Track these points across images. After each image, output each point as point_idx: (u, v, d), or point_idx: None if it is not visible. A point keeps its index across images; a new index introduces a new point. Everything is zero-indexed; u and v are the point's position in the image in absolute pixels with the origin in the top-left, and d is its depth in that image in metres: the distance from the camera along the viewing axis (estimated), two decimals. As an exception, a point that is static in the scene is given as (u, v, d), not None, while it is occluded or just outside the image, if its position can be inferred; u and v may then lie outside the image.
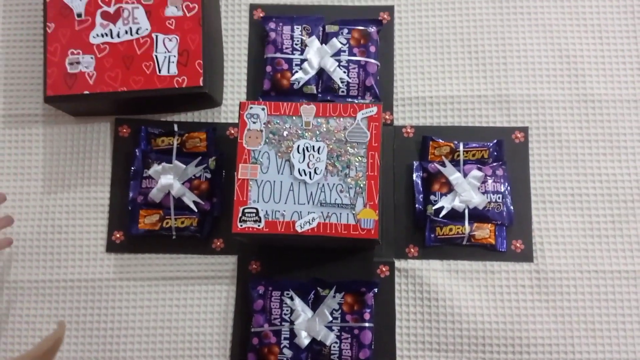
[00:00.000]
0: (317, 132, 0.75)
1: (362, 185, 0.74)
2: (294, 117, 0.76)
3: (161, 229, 0.87)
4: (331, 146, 0.75)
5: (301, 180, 0.74)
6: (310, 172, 0.74)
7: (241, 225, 0.74)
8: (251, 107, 0.76)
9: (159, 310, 0.88)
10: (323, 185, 0.74)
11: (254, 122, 0.76)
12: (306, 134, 0.75)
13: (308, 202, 0.74)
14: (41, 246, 0.91)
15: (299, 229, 0.73)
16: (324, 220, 0.73)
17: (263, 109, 0.76)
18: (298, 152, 0.75)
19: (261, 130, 0.75)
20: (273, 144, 0.75)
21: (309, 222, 0.73)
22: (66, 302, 0.88)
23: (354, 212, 0.73)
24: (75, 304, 0.88)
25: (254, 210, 0.74)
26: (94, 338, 0.88)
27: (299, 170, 0.75)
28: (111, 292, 0.88)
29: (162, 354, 0.87)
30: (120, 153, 0.92)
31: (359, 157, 0.75)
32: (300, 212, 0.74)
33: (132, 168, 0.90)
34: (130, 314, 0.88)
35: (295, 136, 0.75)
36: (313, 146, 0.75)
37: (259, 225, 0.73)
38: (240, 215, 0.74)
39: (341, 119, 0.76)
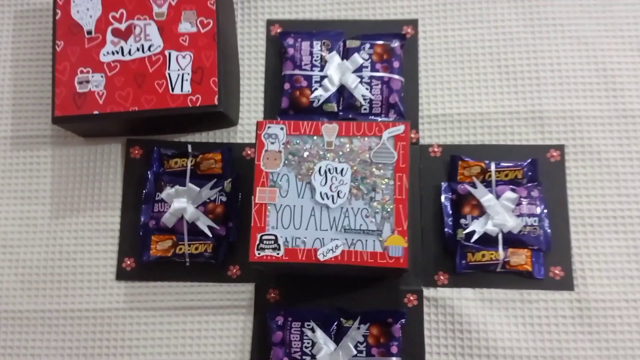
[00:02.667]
0: (340, 153, 0.71)
1: (389, 210, 0.70)
2: (314, 137, 0.72)
3: (174, 256, 0.84)
4: (355, 168, 0.71)
5: (323, 204, 0.70)
6: (333, 196, 0.70)
7: (259, 254, 0.69)
8: (269, 127, 0.72)
9: (171, 342, 0.84)
10: (347, 209, 0.70)
11: (272, 143, 0.72)
12: (328, 155, 0.71)
13: (331, 228, 0.70)
14: (48, 274, 0.87)
15: (321, 258, 0.69)
16: (348, 247, 0.69)
17: (282, 129, 0.72)
18: (320, 174, 0.71)
19: (280, 151, 0.72)
20: (293, 165, 0.72)
21: (332, 249, 0.69)
22: (73, 334, 0.85)
23: (380, 239, 0.69)
24: (83, 335, 0.85)
25: (273, 237, 0.70)
26: None
27: (320, 193, 0.71)
28: (121, 323, 0.85)
29: (174, 390, 0.82)
30: (132, 175, 0.89)
31: (386, 180, 0.70)
32: (323, 239, 0.69)
33: (144, 191, 0.86)
34: (141, 346, 0.84)
35: (316, 157, 0.71)
36: (336, 168, 0.71)
37: (278, 254, 0.69)
38: (257, 242, 0.70)
39: (366, 139, 0.72)
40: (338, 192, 0.70)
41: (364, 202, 0.70)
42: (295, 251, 0.69)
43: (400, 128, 0.70)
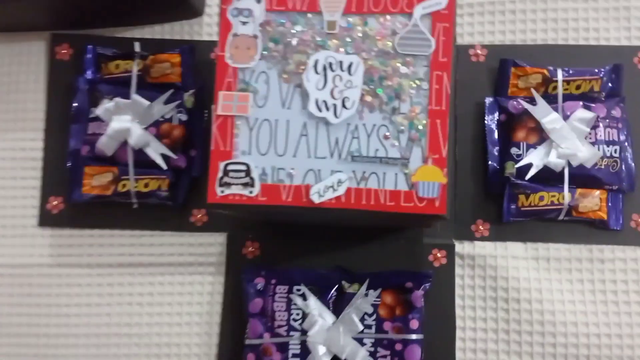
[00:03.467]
0: (348, 40, 0.55)
1: (421, 127, 0.53)
2: (309, 15, 0.55)
3: (116, 194, 0.72)
4: (370, 62, 0.55)
5: (321, 118, 0.55)
6: (335, 106, 0.55)
7: (222, 192, 0.54)
8: None
9: (114, 309, 0.72)
10: (356, 127, 0.55)
11: (244, 23, 0.55)
12: (329, 43, 0.55)
13: (332, 156, 0.55)
14: None
15: (315, 199, 0.54)
16: (358, 184, 0.54)
17: (259, 1, 0.55)
18: (316, 71, 0.55)
19: (255, 37, 0.55)
20: (275, 58, 0.55)
21: (332, 187, 0.54)
22: None
23: (407, 170, 0.54)
24: None
25: (244, 168, 0.55)
26: (22, 347, 0.71)
27: (316, 102, 0.55)
28: (46, 283, 0.72)
29: (118, 372, 0.71)
30: (58, 84, 0.76)
31: (417, 81, 0.54)
32: (319, 170, 0.55)
33: (74, 105, 0.73)
34: (73, 315, 0.71)
35: (311, 46, 0.55)
36: (341, 62, 0.54)
37: (251, 192, 0.54)
38: (221, 175, 0.54)
39: (388, 17, 0.54)
40: (344, 99, 0.54)
41: (383, 116, 0.54)
42: (278, 189, 0.54)
43: (440, 1, 0.53)
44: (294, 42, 0.54)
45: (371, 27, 0.54)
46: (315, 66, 0.54)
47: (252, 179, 0.54)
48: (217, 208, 0.54)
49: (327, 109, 0.54)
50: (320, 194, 0.53)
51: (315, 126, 0.54)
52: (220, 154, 0.54)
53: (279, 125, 0.55)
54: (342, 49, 0.54)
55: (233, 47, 0.54)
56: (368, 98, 0.54)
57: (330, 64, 0.54)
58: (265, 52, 0.55)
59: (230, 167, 0.53)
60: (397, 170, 0.54)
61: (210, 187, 0.53)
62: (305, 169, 0.54)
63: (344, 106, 0.54)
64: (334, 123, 0.55)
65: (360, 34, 0.55)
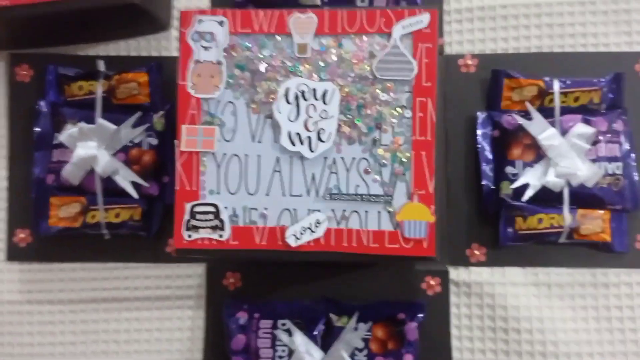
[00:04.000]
0: (322, 64, 0.52)
1: (404, 161, 0.51)
2: (278, 37, 0.52)
3: (85, 226, 0.69)
4: (347, 89, 0.52)
5: (295, 153, 0.53)
6: (310, 139, 0.52)
7: (189, 237, 0.52)
8: (200, 20, 0.53)
9: (88, 348, 0.70)
10: (334, 161, 0.52)
11: (206, 49, 0.52)
12: (301, 68, 0.52)
13: (308, 193, 0.53)
14: None
15: (292, 243, 0.51)
16: (337, 224, 0.52)
17: (221, 23, 0.52)
18: (287, 101, 0.52)
19: (219, 63, 0.52)
20: (242, 87, 0.53)
21: (309, 228, 0.51)
22: None
23: (390, 209, 0.51)
24: None
25: (212, 209, 0.52)
26: None
27: (289, 135, 0.52)
28: (17, 321, 0.70)
29: (92, 417, 0.69)
30: (20, 108, 0.73)
31: (399, 109, 0.51)
32: (295, 210, 0.53)
33: (36, 130, 0.71)
34: (47, 354, 0.70)
35: (281, 72, 0.52)
36: (314, 89, 0.52)
37: (221, 236, 0.52)
38: (187, 218, 0.52)
39: (364, 38, 0.51)
40: (319, 131, 0.52)
41: (363, 149, 0.52)
42: (250, 231, 0.51)
43: (422, 19, 0.50)
44: (262, 68, 0.52)
45: (347, 50, 0.52)
46: (286, 95, 0.51)
47: (221, 221, 0.51)
48: (186, 254, 0.51)
49: (302, 142, 0.52)
50: (297, 237, 0.50)
51: (289, 161, 0.52)
52: (185, 194, 0.51)
53: (249, 161, 0.52)
54: (315, 75, 0.52)
55: (195, 75, 0.51)
56: (346, 129, 0.52)
57: (303, 92, 0.51)
58: (230, 81, 0.52)
59: (197, 209, 0.51)
60: (380, 209, 0.51)
61: (176, 232, 0.50)
62: (280, 208, 0.52)
63: (319, 139, 0.51)
64: (310, 158, 0.52)
65: (334, 58, 0.52)
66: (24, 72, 0.72)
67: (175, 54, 0.71)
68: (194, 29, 0.50)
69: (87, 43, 0.74)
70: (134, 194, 0.68)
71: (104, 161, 0.66)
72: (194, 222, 0.50)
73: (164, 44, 0.72)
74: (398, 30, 0.49)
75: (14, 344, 0.70)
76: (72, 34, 0.72)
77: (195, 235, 0.50)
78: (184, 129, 0.50)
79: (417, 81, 0.50)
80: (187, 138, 0.50)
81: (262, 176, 0.51)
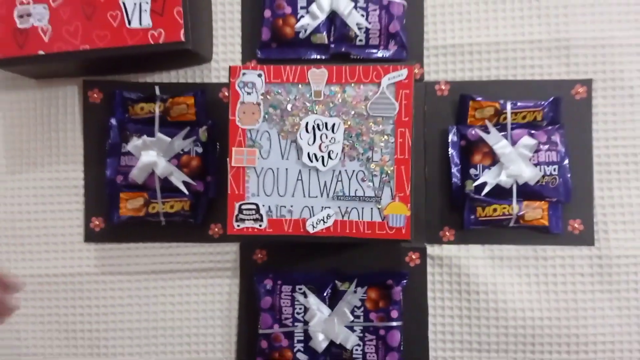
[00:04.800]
0: (331, 105, 0.64)
1: (389, 172, 0.64)
2: (300, 85, 0.64)
3: (147, 215, 0.78)
4: (349, 122, 0.64)
5: (312, 167, 0.64)
6: (323, 157, 0.64)
7: (238, 226, 0.64)
8: (244, 73, 0.64)
9: (150, 308, 0.80)
10: (340, 173, 0.64)
11: (249, 93, 0.64)
12: (317, 108, 0.64)
13: (321, 195, 0.64)
14: (9, 235, 0.81)
15: (310, 229, 0.64)
16: (342, 217, 0.64)
17: (260, 75, 0.64)
18: (307, 131, 0.64)
19: (258, 104, 0.64)
20: (274, 121, 0.64)
21: (322, 220, 0.64)
22: (43, 300, 0.80)
23: (379, 206, 0.63)
24: (53, 302, 0.80)
25: (254, 207, 0.64)
26: (78, 340, 0.80)
27: (308, 154, 0.64)
28: (94, 289, 0.80)
29: (156, 359, 0.80)
30: (93, 123, 0.81)
31: (385, 136, 0.64)
32: (312, 207, 0.64)
33: (108, 142, 0.79)
34: (118, 313, 0.80)
35: (302, 110, 0.64)
36: (326, 123, 0.64)
37: (260, 225, 0.64)
38: (236, 213, 0.64)
39: (361, 87, 0.64)
40: (329, 152, 0.64)
41: (360, 164, 0.64)
42: (281, 222, 0.64)
43: (402, 73, 0.62)
44: (289, 107, 0.63)
45: (349, 94, 0.63)
46: (306, 127, 0.63)
47: (260, 215, 0.63)
48: (234, 239, 0.65)
49: (317, 159, 0.64)
50: (314, 226, 0.63)
51: (308, 173, 0.64)
52: (235, 197, 0.63)
53: (279, 172, 0.64)
54: (326, 112, 0.63)
55: (241, 112, 0.63)
56: (348, 150, 0.63)
57: (318, 125, 0.63)
58: (266, 116, 0.63)
59: (243, 207, 0.63)
60: (372, 206, 0.63)
61: (229, 223, 0.63)
62: (302, 206, 0.64)
63: (329, 157, 0.63)
64: (322, 170, 0.64)
65: (340, 100, 0.63)
66: (95, 95, 0.80)
67: (214, 81, 0.79)
68: (240, 79, 0.62)
69: (146, 72, 0.81)
70: (184, 190, 0.76)
71: (162, 165, 0.76)
72: (241, 216, 0.63)
73: (206, 74, 0.80)
74: (385, 81, 0.62)
75: (93, 306, 0.79)
76: (135, 66, 0.79)
77: (242, 225, 0.63)
78: (234, 150, 0.62)
79: (398, 117, 0.62)
80: (236, 157, 0.63)
81: (289, 183, 0.63)
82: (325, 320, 0.74)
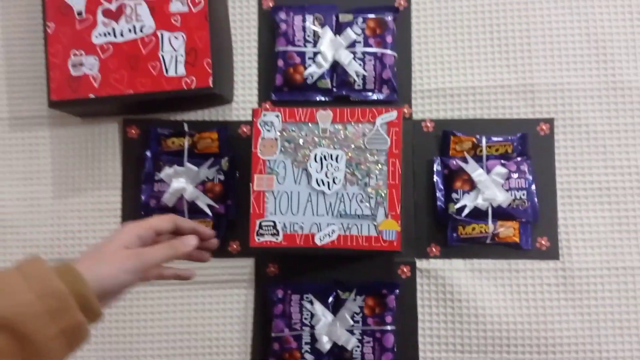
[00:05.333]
0: (335, 140, 0.73)
1: (383, 195, 0.72)
2: (309, 124, 0.73)
3: None
4: (350, 154, 0.73)
5: (319, 190, 0.72)
6: (328, 182, 0.72)
7: (259, 239, 0.72)
8: (265, 114, 0.73)
9: (177, 315, 0.87)
10: (342, 195, 0.72)
11: (268, 130, 0.73)
12: (323, 142, 0.73)
13: (327, 214, 0.72)
14: (55, 253, 0.89)
15: (318, 242, 0.71)
16: (344, 232, 0.71)
17: (277, 116, 0.73)
18: (315, 161, 0.72)
19: (276, 139, 0.73)
20: (289, 152, 0.73)
21: (328, 234, 0.71)
22: None
23: (375, 223, 0.71)
24: None
25: (272, 223, 0.72)
26: (113, 344, 0.87)
27: (316, 180, 0.72)
28: (128, 298, 0.86)
29: (182, 360, 0.86)
30: (130, 155, 0.90)
31: (380, 165, 0.72)
32: (320, 224, 0.72)
33: (144, 171, 0.88)
34: (149, 320, 0.87)
35: (312, 144, 0.73)
36: (331, 154, 0.72)
37: (277, 239, 0.72)
38: (257, 228, 0.72)
39: (360, 125, 0.73)
40: (333, 178, 0.72)
41: (359, 188, 0.72)
42: (294, 236, 0.71)
43: (392, 114, 0.71)
44: (301, 142, 0.72)
45: (350, 131, 0.72)
46: (315, 157, 0.72)
47: (277, 230, 0.71)
48: (251, 254, 0.73)
49: (324, 184, 0.72)
50: (321, 239, 0.70)
51: (317, 195, 0.71)
52: (256, 215, 0.71)
53: (293, 195, 0.72)
54: (332, 146, 0.72)
55: (262, 146, 0.73)
56: (349, 177, 0.72)
57: (324, 156, 0.72)
58: (282, 149, 0.72)
59: (263, 223, 0.71)
60: (369, 223, 0.70)
61: (251, 237, 0.71)
62: (311, 223, 0.71)
63: (334, 182, 0.71)
64: (328, 193, 0.71)
65: (342, 136, 0.72)
66: (133, 131, 0.89)
67: (234, 119, 0.89)
68: (261, 119, 0.71)
69: (177, 112, 0.89)
70: (208, 212, 0.83)
71: (190, 191, 0.83)
72: (261, 231, 0.70)
73: (228, 113, 0.88)
74: (379, 120, 0.71)
75: (126, 313, 0.85)
76: (168, 106, 0.87)
77: (261, 239, 0.70)
78: (256, 177, 0.71)
79: (390, 150, 0.70)
80: (257, 182, 0.71)
81: (301, 204, 0.70)
82: (329, 325, 0.80)
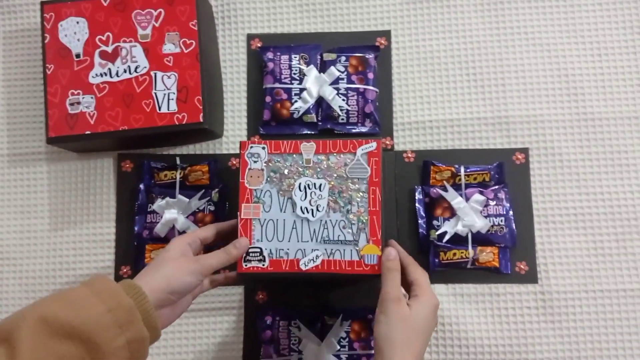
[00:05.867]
0: (318, 169, 0.76)
1: (364, 221, 0.74)
2: (294, 155, 0.76)
3: None
4: (332, 183, 0.75)
5: (304, 218, 0.75)
6: (312, 210, 0.75)
7: (246, 265, 0.74)
8: (252, 147, 0.77)
9: (168, 343, 0.89)
10: (326, 222, 0.74)
11: (255, 162, 0.76)
12: (307, 172, 0.76)
13: (311, 240, 0.74)
14: (50, 283, 0.92)
15: (303, 267, 0.74)
16: (328, 257, 0.74)
17: (264, 148, 0.77)
18: (300, 189, 0.75)
19: (262, 169, 0.76)
20: (275, 182, 0.76)
21: (312, 259, 0.74)
22: None
23: (357, 248, 0.74)
24: None
25: (258, 250, 0.75)
26: None
27: (301, 208, 0.75)
28: None
29: (174, 386, 0.87)
30: (124, 188, 0.92)
31: (361, 193, 0.75)
32: (304, 249, 0.74)
33: (137, 203, 0.90)
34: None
35: (296, 174, 0.76)
36: (314, 183, 0.75)
37: (263, 265, 0.74)
38: (244, 255, 0.75)
39: (341, 156, 0.76)
40: (317, 206, 0.74)
41: (341, 215, 0.74)
42: (280, 262, 0.74)
43: (372, 145, 0.75)
44: (286, 172, 0.75)
45: (332, 161, 0.74)
46: (299, 186, 0.74)
47: (263, 256, 0.73)
48: (242, 276, 0.74)
49: (308, 212, 0.74)
50: (306, 264, 0.73)
51: (301, 222, 0.74)
52: None
53: (278, 222, 0.74)
54: (315, 176, 0.74)
55: (249, 176, 0.75)
56: (332, 204, 0.74)
57: (308, 185, 0.74)
58: (268, 179, 0.75)
59: (250, 250, 0.74)
60: (352, 248, 0.72)
61: (239, 263, 0.73)
62: (296, 249, 0.73)
63: (317, 210, 0.74)
64: (312, 220, 0.74)
65: (325, 166, 0.75)
66: (127, 165, 0.92)
67: (224, 152, 0.92)
68: (248, 151, 0.74)
69: (169, 146, 0.92)
70: None
71: (181, 221, 0.85)
72: (248, 257, 0.72)
73: (218, 147, 0.92)
74: (359, 151, 0.74)
75: None
76: (161, 141, 0.90)
77: (249, 265, 0.72)
78: (243, 205, 0.73)
79: (370, 178, 0.73)
80: (245, 211, 0.73)
81: (286, 231, 0.72)
82: (316, 350, 0.82)
